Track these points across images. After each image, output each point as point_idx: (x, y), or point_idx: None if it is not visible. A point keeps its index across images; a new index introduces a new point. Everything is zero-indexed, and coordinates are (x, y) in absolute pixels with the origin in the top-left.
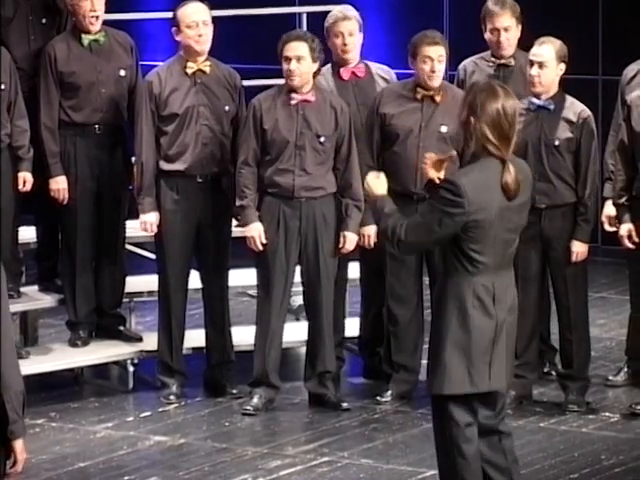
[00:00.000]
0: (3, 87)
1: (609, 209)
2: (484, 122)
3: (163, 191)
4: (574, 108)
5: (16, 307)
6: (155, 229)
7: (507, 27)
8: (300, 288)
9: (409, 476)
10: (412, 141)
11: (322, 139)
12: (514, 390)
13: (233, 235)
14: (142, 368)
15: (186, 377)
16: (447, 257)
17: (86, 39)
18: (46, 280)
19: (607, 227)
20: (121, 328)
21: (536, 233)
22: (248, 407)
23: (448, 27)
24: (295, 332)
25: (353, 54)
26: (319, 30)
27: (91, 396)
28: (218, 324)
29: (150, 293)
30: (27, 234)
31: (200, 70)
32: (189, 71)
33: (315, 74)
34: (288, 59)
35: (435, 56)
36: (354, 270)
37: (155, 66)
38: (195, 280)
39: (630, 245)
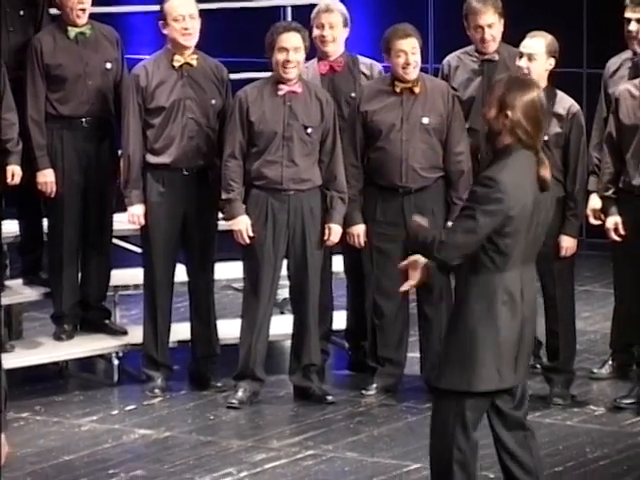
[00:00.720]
0: None
1: (594, 202)
2: (521, 114)
3: (149, 184)
4: (563, 103)
5: (0, 300)
6: (142, 221)
7: (490, 24)
8: (285, 282)
9: (394, 469)
10: (395, 135)
11: (309, 130)
12: None
13: (218, 228)
14: (127, 361)
15: (171, 370)
16: (476, 253)
17: (72, 32)
18: (30, 273)
19: (592, 220)
20: (106, 321)
21: None
22: (233, 400)
23: (433, 21)
24: (280, 325)
25: (332, 47)
26: (304, 23)
27: (76, 389)
28: (204, 317)
29: (137, 286)
30: (11, 227)
31: (187, 63)
32: (176, 64)
33: None
34: (284, 50)
35: (408, 48)
36: (338, 263)
37: (140, 59)
38: (181, 273)
39: (617, 238)
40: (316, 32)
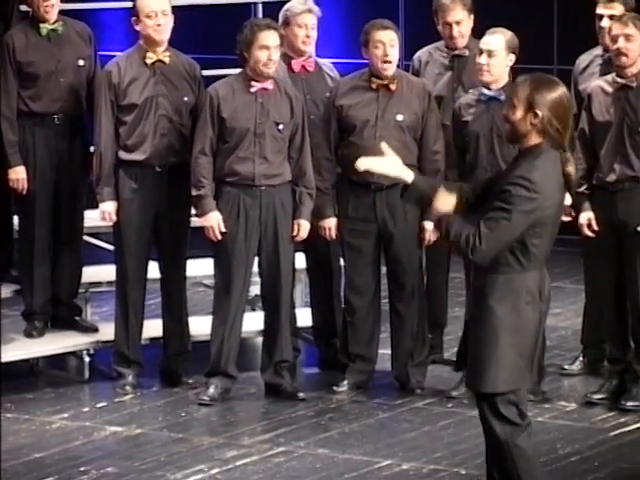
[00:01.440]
0: None
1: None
2: (550, 112)
3: (122, 181)
4: None
5: None
6: (114, 218)
7: (459, 20)
8: (256, 278)
9: (365, 465)
10: (369, 131)
11: (280, 127)
12: None
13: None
14: (98, 358)
15: (142, 367)
16: (501, 252)
17: (44, 29)
18: (1, 270)
19: (563, 217)
20: (77, 318)
21: None
22: (204, 397)
23: (404, 18)
24: (251, 322)
25: (311, 47)
26: (274, 20)
27: (47, 387)
28: (176, 314)
29: (109, 283)
30: None
31: (160, 60)
32: (148, 61)
33: None
34: (266, 48)
35: (387, 40)
36: (300, 260)
37: (112, 56)
38: (153, 270)
39: (590, 234)
40: (298, 31)
